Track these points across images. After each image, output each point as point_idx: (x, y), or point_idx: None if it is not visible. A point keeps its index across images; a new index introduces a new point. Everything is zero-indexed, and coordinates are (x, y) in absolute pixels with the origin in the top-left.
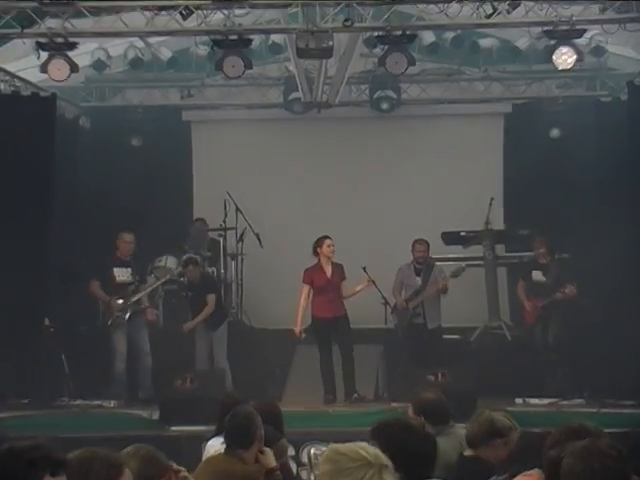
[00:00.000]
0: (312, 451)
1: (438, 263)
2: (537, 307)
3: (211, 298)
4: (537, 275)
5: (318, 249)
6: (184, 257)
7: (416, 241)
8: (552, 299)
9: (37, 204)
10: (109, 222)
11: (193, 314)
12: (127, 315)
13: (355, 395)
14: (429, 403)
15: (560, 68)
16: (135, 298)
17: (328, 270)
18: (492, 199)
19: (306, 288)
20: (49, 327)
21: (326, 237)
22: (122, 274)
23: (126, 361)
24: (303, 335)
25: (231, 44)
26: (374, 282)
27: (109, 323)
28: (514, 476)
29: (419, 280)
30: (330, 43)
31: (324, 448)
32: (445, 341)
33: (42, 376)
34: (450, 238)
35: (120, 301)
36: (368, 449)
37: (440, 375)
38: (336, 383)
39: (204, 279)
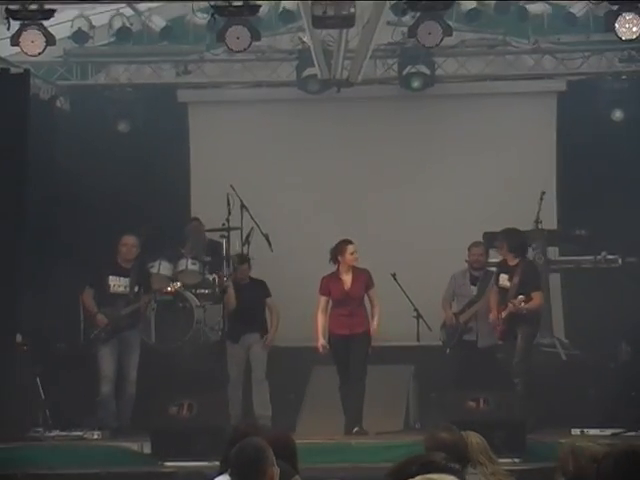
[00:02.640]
0: None
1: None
2: (500, 319)
3: (271, 302)
4: (503, 279)
5: (339, 257)
6: (236, 253)
7: (473, 244)
8: (509, 311)
9: (6, 200)
10: (92, 221)
11: (241, 323)
12: (112, 331)
13: (356, 428)
14: (444, 445)
15: (624, 38)
16: (125, 312)
17: (347, 280)
18: (543, 193)
19: (324, 300)
20: (21, 345)
21: (348, 242)
22: (118, 283)
23: (113, 383)
24: (327, 348)
25: (235, 11)
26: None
27: (91, 337)
28: None
29: (474, 289)
30: (351, 10)
31: None
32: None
33: (13, 402)
34: (494, 239)
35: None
36: None
37: (482, 401)
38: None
39: (256, 282)
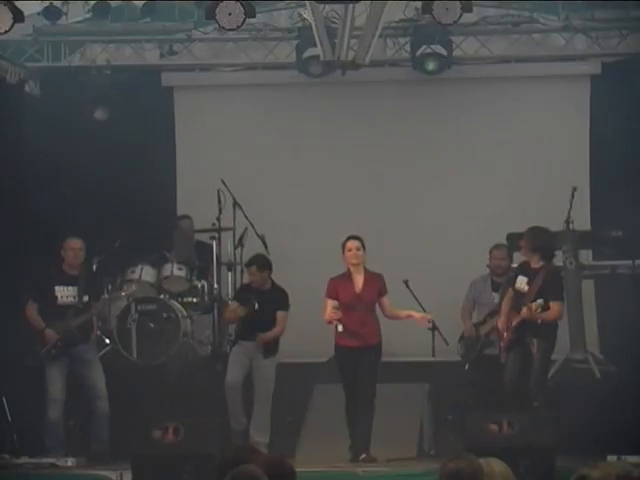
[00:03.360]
0: None
1: None
2: (510, 326)
3: (282, 317)
4: (521, 282)
5: (343, 254)
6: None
7: (494, 246)
8: (522, 317)
9: None
10: (65, 221)
11: (251, 328)
12: (64, 346)
13: (364, 455)
14: (458, 474)
15: None
16: (75, 324)
17: (358, 282)
18: (575, 189)
19: (330, 304)
20: None
21: (350, 237)
22: (66, 293)
23: (62, 406)
24: (338, 307)
25: None
26: (436, 328)
27: (41, 355)
28: None
29: (497, 297)
30: None
31: None
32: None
33: None
34: (519, 241)
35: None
36: None
37: (506, 424)
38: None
39: (275, 290)
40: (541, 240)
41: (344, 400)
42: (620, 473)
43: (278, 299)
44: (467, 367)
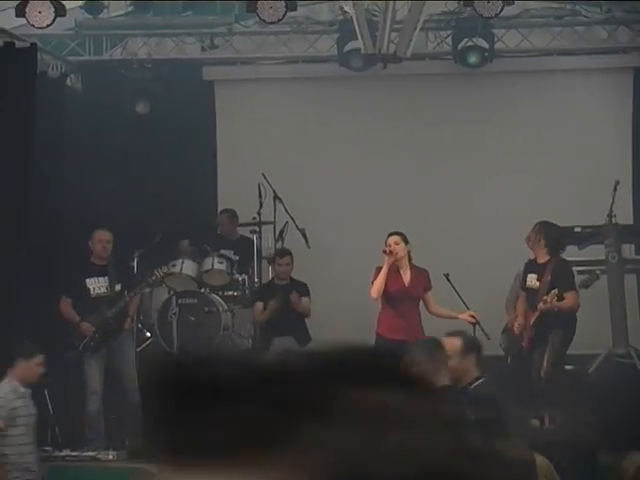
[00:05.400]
0: None
1: None
2: (529, 324)
3: (307, 301)
4: (531, 280)
5: None
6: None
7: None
8: (539, 312)
9: (8, 191)
10: (106, 215)
11: (275, 328)
12: (102, 339)
13: None
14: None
15: None
16: (111, 314)
17: (406, 275)
18: (617, 183)
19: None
20: None
21: (389, 234)
22: (98, 285)
23: (101, 399)
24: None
25: None
26: (478, 322)
27: (80, 349)
28: None
29: None
30: None
31: None
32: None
33: None
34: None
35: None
36: None
37: (547, 419)
38: None
39: (295, 283)
40: (551, 234)
41: None
42: None
43: (300, 290)
44: (509, 360)
